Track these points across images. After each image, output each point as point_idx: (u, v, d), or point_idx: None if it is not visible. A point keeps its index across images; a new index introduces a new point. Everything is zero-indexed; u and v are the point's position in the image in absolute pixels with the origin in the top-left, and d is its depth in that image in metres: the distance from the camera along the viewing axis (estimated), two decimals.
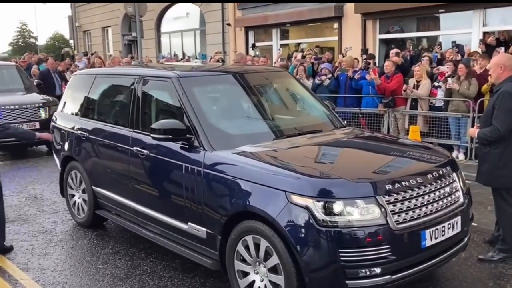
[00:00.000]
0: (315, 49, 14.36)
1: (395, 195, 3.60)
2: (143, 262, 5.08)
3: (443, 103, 9.49)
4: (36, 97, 10.94)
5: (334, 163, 4.30)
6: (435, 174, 3.94)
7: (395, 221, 3.55)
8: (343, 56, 11.77)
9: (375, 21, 14.66)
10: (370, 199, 3.52)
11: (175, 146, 4.48)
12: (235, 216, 3.95)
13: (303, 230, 3.50)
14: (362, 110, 10.32)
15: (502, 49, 9.91)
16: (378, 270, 3.49)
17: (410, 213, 3.65)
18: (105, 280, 4.71)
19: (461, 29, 13.00)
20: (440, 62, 10.79)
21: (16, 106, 10.16)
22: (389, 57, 11.08)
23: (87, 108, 6.10)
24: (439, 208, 3.85)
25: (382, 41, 14.82)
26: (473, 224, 4.67)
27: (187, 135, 4.37)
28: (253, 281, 3.93)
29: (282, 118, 5.20)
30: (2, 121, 6.48)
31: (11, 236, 5.83)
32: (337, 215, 3.46)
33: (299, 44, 17.42)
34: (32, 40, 65.16)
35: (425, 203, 3.76)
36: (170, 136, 4.36)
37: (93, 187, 5.79)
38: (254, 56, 14.36)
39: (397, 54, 10.97)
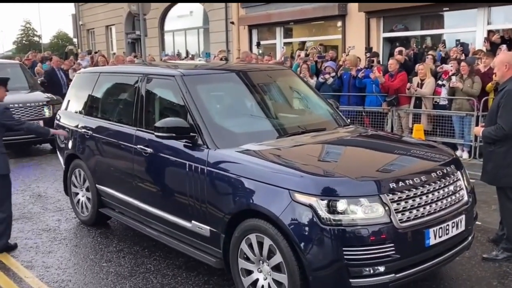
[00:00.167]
0: (318, 48, 14.34)
1: (399, 193, 3.60)
2: (146, 260, 5.09)
3: (447, 102, 9.46)
4: (40, 96, 10.97)
5: (338, 162, 4.29)
6: (439, 173, 3.93)
7: (399, 220, 3.54)
8: (346, 55, 11.75)
9: (379, 20, 14.62)
10: (374, 197, 3.52)
11: (179, 144, 4.48)
12: (238, 214, 3.95)
13: (306, 228, 3.50)
14: (365, 109, 10.30)
15: (504, 46, 9.87)
16: (382, 269, 3.48)
17: (414, 211, 3.64)
18: (109, 278, 4.71)
19: (465, 28, 12.95)
20: (445, 60, 10.76)
21: (20, 105, 10.18)
22: (393, 56, 11.05)
23: (91, 106, 6.10)
24: (443, 207, 3.84)
25: (386, 39, 14.78)
26: (477, 223, 4.66)
27: (191, 133, 4.37)
28: (257, 279, 3.93)
29: (285, 117, 5.20)
30: (16, 117, 6.68)
31: (15, 234, 5.85)
32: (341, 213, 3.46)
33: (303, 42, 17.40)
34: (36, 38, 65.33)
35: (429, 201, 3.75)
36: (174, 134, 4.36)
37: (96, 185, 5.80)
38: (258, 55, 14.34)
39: (400, 53, 10.94)
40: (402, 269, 3.57)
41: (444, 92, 9.54)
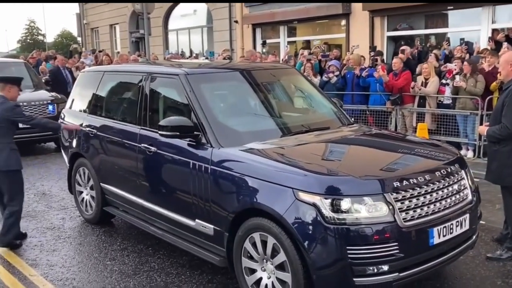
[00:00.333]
0: (322, 46, 14.32)
1: (403, 192, 3.59)
2: (150, 259, 5.10)
3: (451, 101, 9.43)
4: (44, 94, 10.99)
5: (342, 160, 4.29)
6: (443, 172, 3.92)
7: (403, 219, 3.53)
8: (351, 54, 11.73)
9: (383, 18, 14.60)
10: (378, 196, 3.51)
11: (183, 143, 4.49)
12: (242, 213, 3.95)
13: (310, 227, 3.50)
14: (369, 108, 10.29)
15: (506, 44, 9.83)
16: (385, 268, 3.47)
17: (418, 210, 3.64)
18: (113, 277, 4.73)
19: (469, 26, 12.91)
20: (448, 59, 10.73)
21: (25, 103, 10.18)
22: (397, 54, 11.03)
23: (95, 105, 6.12)
24: (447, 206, 3.83)
25: (390, 38, 14.76)
26: (481, 222, 4.66)
27: (195, 132, 4.38)
28: (260, 278, 3.93)
29: (289, 115, 5.20)
30: (28, 113, 6.86)
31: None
32: (345, 212, 3.46)
33: (308, 41, 17.39)
34: (40, 37, 65.42)
35: (433, 200, 3.74)
36: (178, 133, 4.36)
37: (101, 183, 5.81)
38: (262, 54, 14.34)
39: (402, 52, 10.91)
40: (406, 268, 3.56)
41: (448, 91, 9.52)
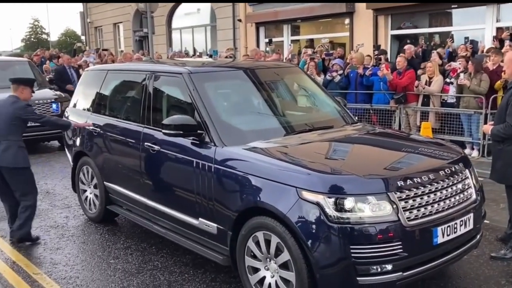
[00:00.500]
0: (326, 45, 14.29)
1: (406, 191, 3.58)
2: (154, 257, 5.10)
3: (455, 100, 9.40)
4: (48, 93, 11.01)
5: (345, 159, 4.28)
6: (447, 171, 3.91)
7: (407, 218, 3.52)
8: (355, 53, 11.70)
9: (387, 17, 14.56)
10: (382, 195, 3.50)
11: (186, 142, 4.49)
12: (245, 212, 3.95)
13: (314, 226, 3.49)
14: (373, 106, 10.27)
15: (508, 42, 9.79)
16: (389, 267, 3.47)
17: (422, 209, 3.62)
18: (117, 275, 4.73)
19: (474, 25, 12.85)
20: (452, 57, 10.69)
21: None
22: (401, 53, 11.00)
23: (99, 104, 6.12)
24: (451, 205, 3.82)
25: (394, 37, 14.72)
26: (485, 221, 4.64)
27: (198, 131, 4.38)
28: (264, 277, 3.93)
29: (293, 114, 5.19)
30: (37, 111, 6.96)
31: None
32: (348, 211, 3.45)
33: (311, 40, 17.36)
34: (44, 36, 65.62)
35: (437, 199, 3.73)
36: (181, 132, 4.37)
37: (104, 182, 5.82)
38: (265, 52, 14.33)
39: (403, 52, 10.87)
40: (410, 267, 3.55)
41: (452, 90, 9.49)
